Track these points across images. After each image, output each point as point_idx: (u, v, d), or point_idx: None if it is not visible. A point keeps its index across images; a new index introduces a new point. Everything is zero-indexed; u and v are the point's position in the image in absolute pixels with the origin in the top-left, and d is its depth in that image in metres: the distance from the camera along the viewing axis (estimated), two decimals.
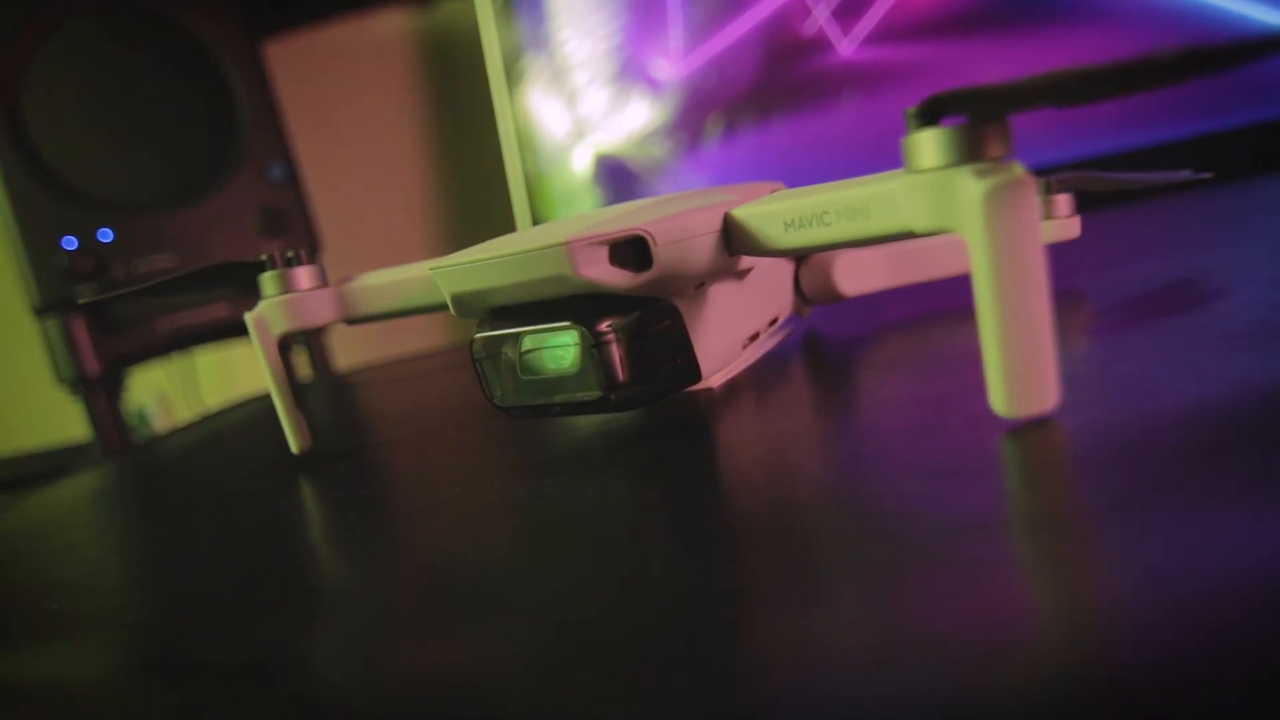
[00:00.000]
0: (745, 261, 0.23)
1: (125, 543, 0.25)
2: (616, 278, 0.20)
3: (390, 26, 1.00)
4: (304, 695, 0.13)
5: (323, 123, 0.97)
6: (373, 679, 0.13)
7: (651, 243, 0.20)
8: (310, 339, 0.80)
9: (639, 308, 0.21)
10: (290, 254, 0.26)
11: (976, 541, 0.12)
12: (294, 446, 0.26)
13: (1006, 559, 0.12)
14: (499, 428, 0.27)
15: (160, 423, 1.07)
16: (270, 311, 0.26)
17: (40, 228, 0.69)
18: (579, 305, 0.20)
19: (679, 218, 0.21)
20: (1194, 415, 0.16)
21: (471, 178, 0.99)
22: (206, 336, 0.77)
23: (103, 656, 0.16)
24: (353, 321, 0.27)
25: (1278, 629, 0.09)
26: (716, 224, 0.21)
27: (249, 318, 0.26)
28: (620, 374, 0.20)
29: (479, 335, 0.22)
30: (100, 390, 0.73)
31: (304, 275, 0.26)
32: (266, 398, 0.26)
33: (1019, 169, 0.15)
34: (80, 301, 0.35)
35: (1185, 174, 0.27)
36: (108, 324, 0.72)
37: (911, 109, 0.16)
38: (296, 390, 0.26)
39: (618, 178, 0.70)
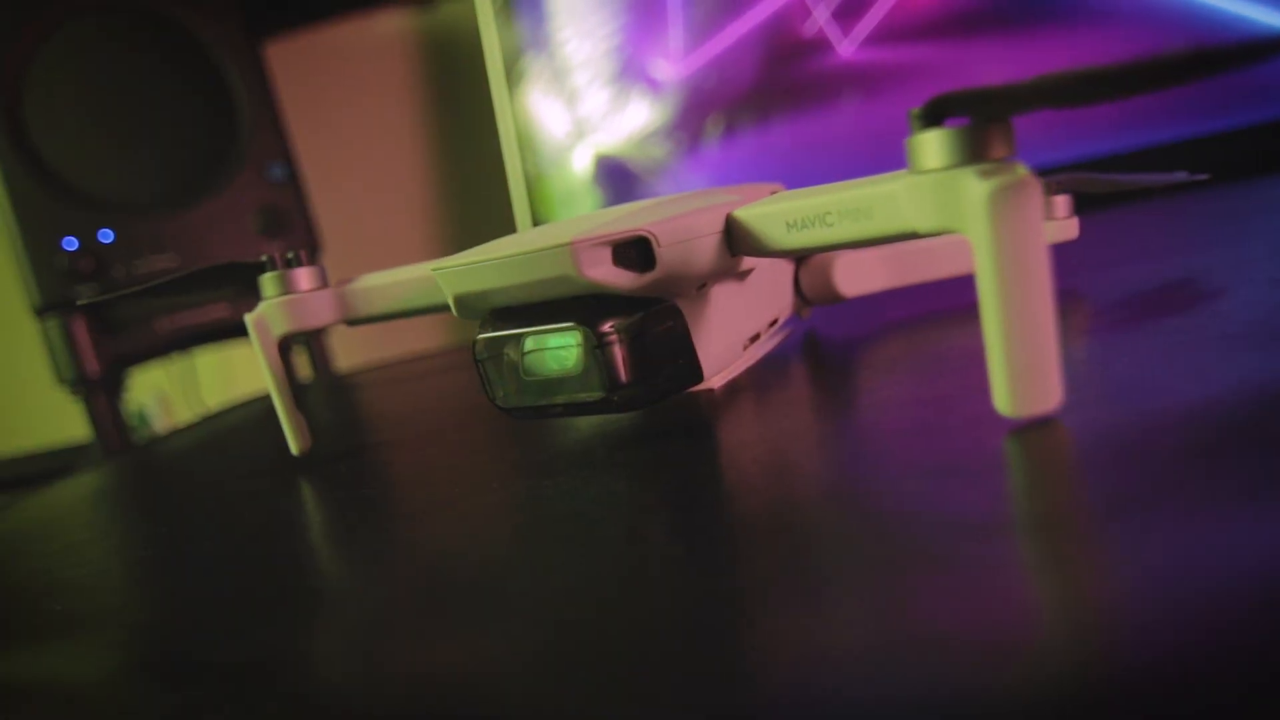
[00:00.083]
0: (746, 262, 0.23)
1: (125, 543, 0.25)
2: (620, 278, 0.20)
3: (390, 27, 1.00)
4: (304, 695, 0.13)
5: (323, 123, 0.97)
6: (373, 679, 0.13)
7: (655, 243, 0.20)
8: (310, 340, 0.80)
9: (641, 308, 0.21)
10: (290, 255, 0.26)
11: (977, 542, 0.12)
12: (294, 448, 0.26)
13: (1007, 559, 0.12)
14: (499, 428, 0.27)
15: (160, 423, 1.07)
16: (270, 313, 0.26)
17: (41, 228, 0.69)
18: (582, 306, 0.20)
19: (682, 218, 0.21)
20: (1194, 415, 0.16)
21: (471, 178, 0.99)
22: (207, 337, 0.77)
23: (103, 657, 0.16)
24: (353, 323, 0.27)
25: (1278, 629, 0.09)
26: (719, 225, 0.21)
27: (249, 319, 0.26)
28: (623, 375, 0.20)
29: (481, 336, 0.22)
30: (100, 390, 0.73)
31: (304, 276, 0.26)
32: (267, 398, 0.26)
33: (1022, 170, 0.15)
34: (79, 303, 0.35)
35: (1181, 175, 0.27)
36: (108, 324, 0.72)
37: (915, 110, 0.16)
38: (297, 391, 0.26)
39: (618, 178, 0.70)
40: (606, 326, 0.20)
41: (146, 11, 0.73)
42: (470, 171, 0.99)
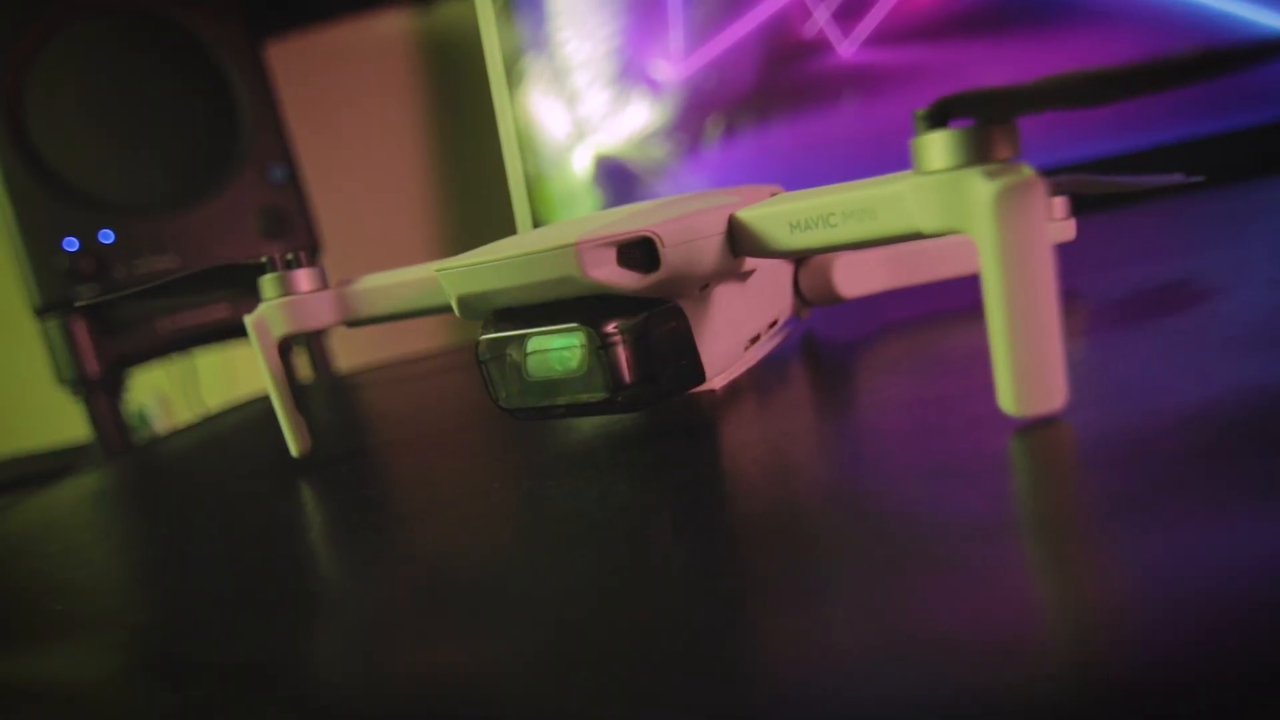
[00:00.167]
0: (748, 263, 0.23)
1: (126, 544, 0.25)
2: (624, 279, 0.20)
3: (391, 27, 1.00)
4: (305, 696, 0.13)
5: (323, 124, 0.98)
6: (373, 679, 0.13)
7: (659, 244, 0.20)
8: (311, 340, 0.81)
9: (645, 309, 0.21)
10: (290, 256, 0.26)
11: (978, 542, 0.12)
12: (294, 449, 0.26)
13: (1008, 560, 0.12)
14: (500, 429, 0.27)
15: (161, 423, 1.07)
16: (270, 314, 0.26)
17: (41, 229, 0.69)
18: (585, 307, 0.20)
19: (686, 219, 0.21)
20: (1194, 417, 0.16)
21: (472, 179, 0.99)
22: (207, 337, 0.77)
23: (104, 657, 0.16)
24: (353, 324, 0.27)
25: (1278, 630, 0.09)
26: (722, 226, 0.21)
27: (248, 320, 0.26)
28: (626, 375, 0.20)
29: (484, 337, 0.22)
30: (101, 391, 0.73)
31: (304, 278, 0.26)
32: (267, 399, 0.26)
33: (1028, 170, 0.15)
34: (76, 305, 0.35)
35: (1177, 177, 0.27)
36: (108, 324, 0.72)
37: (920, 111, 0.16)
38: (297, 393, 0.26)
39: (618, 179, 0.70)
40: (610, 327, 0.20)
41: (148, 13, 0.73)
42: (470, 172, 0.99)
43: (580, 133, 0.71)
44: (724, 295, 0.23)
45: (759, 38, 0.62)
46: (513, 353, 0.22)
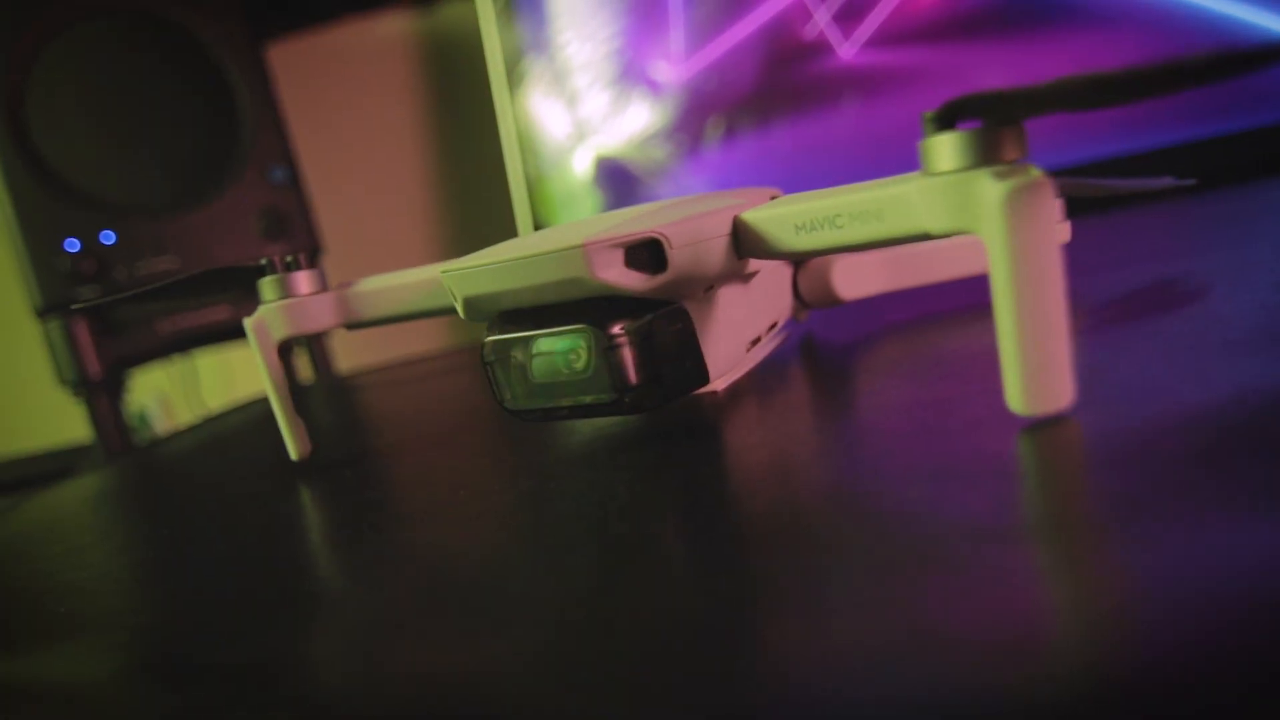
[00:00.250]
0: (751, 265, 0.23)
1: (127, 545, 0.25)
2: (632, 280, 0.20)
3: (392, 29, 1.00)
4: (305, 697, 0.13)
5: (324, 125, 0.98)
6: (374, 680, 0.13)
7: (667, 245, 0.20)
8: (312, 341, 0.81)
9: (650, 310, 0.21)
10: (289, 259, 0.26)
11: (978, 544, 0.12)
12: (293, 453, 0.26)
13: (1008, 561, 0.12)
14: (500, 430, 0.27)
15: (161, 424, 1.07)
16: (269, 317, 0.25)
17: (43, 229, 0.69)
18: (591, 308, 0.20)
19: (693, 220, 0.21)
20: (1195, 418, 0.16)
21: (472, 180, 0.99)
22: (208, 338, 0.77)
23: (105, 658, 0.16)
24: (353, 327, 0.27)
25: (1276, 633, 0.09)
26: (727, 227, 0.21)
27: (248, 323, 0.25)
28: (632, 376, 0.20)
29: (489, 339, 0.22)
30: (102, 392, 0.73)
31: (303, 280, 0.26)
32: (268, 400, 0.26)
33: (1036, 171, 0.15)
34: (73, 307, 0.35)
35: (1168, 181, 0.27)
36: (109, 325, 0.72)
37: (929, 113, 0.17)
38: (296, 395, 0.26)
39: (618, 180, 0.70)
40: (616, 328, 0.20)
41: (149, 14, 0.73)
42: (471, 173, 0.99)
43: (581, 134, 0.71)
44: (727, 297, 0.23)
45: (760, 39, 0.62)
46: (518, 354, 0.22)
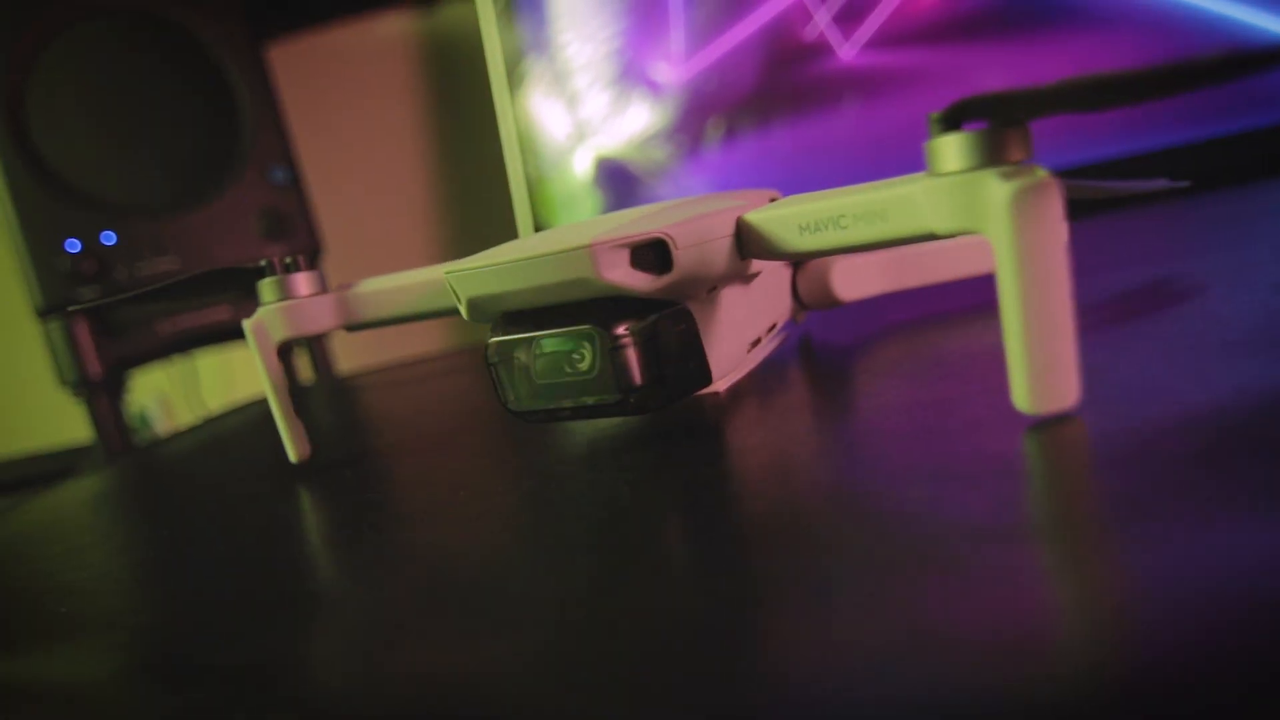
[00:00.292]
0: (753, 266, 0.23)
1: (128, 546, 0.25)
2: (637, 280, 0.20)
3: (392, 29, 1.00)
4: (305, 699, 0.13)
5: (325, 125, 0.98)
6: (374, 681, 0.13)
7: (672, 246, 0.20)
8: (312, 342, 0.81)
9: (654, 311, 0.21)
10: (288, 260, 0.26)
11: (979, 544, 0.12)
12: (292, 455, 0.26)
13: (1009, 562, 0.12)
14: (501, 431, 0.27)
15: (161, 425, 1.08)
16: (268, 319, 0.25)
17: (43, 230, 0.69)
18: (595, 309, 0.20)
19: (698, 221, 0.21)
20: (1195, 419, 0.16)
21: (473, 180, 0.99)
22: (208, 339, 0.77)
23: (105, 659, 0.16)
24: (352, 329, 0.27)
25: (1276, 633, 0.09)
26: (731, 228, 0.21)
27: (247, 325, 0.25)
28: (637, 377, 0.20)
29: (493, 340, 0.22)
30: (102, 392, 0.73)
31: (303, 281, 0.26)
32: (268, 401, 0.26)
33: (1042, 172, 0.15)
34: (69, 309, 0.35)
35: (1162, 183, 0.27)
36: (110, 326, 0.72)
37: (935, 114, 0.17)
38: (296, 397, 0.26)
39: (619, 181, 0.70)
40: (621, 329, 0.20)
41: (149, 15, 0.73)
42: (471, 174, 1.00)
43: (581, 135, 0.71)
44: (729, 298, 0.23)
45: (760, 41, 0.62)
46: (522, 355, 0.22)
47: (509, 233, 0.73)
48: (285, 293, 0.26)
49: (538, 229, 0.73)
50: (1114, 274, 0.30)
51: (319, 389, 0.62)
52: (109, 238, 0.71)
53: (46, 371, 0.73)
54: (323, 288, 0.27)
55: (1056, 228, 0.15)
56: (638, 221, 0.21)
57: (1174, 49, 0.50)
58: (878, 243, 0.19)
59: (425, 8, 0.99)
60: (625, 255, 0.20)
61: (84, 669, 0.16)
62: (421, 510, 0.21)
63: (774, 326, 0.27)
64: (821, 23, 0.59)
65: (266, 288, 0.26)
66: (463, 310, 0.22)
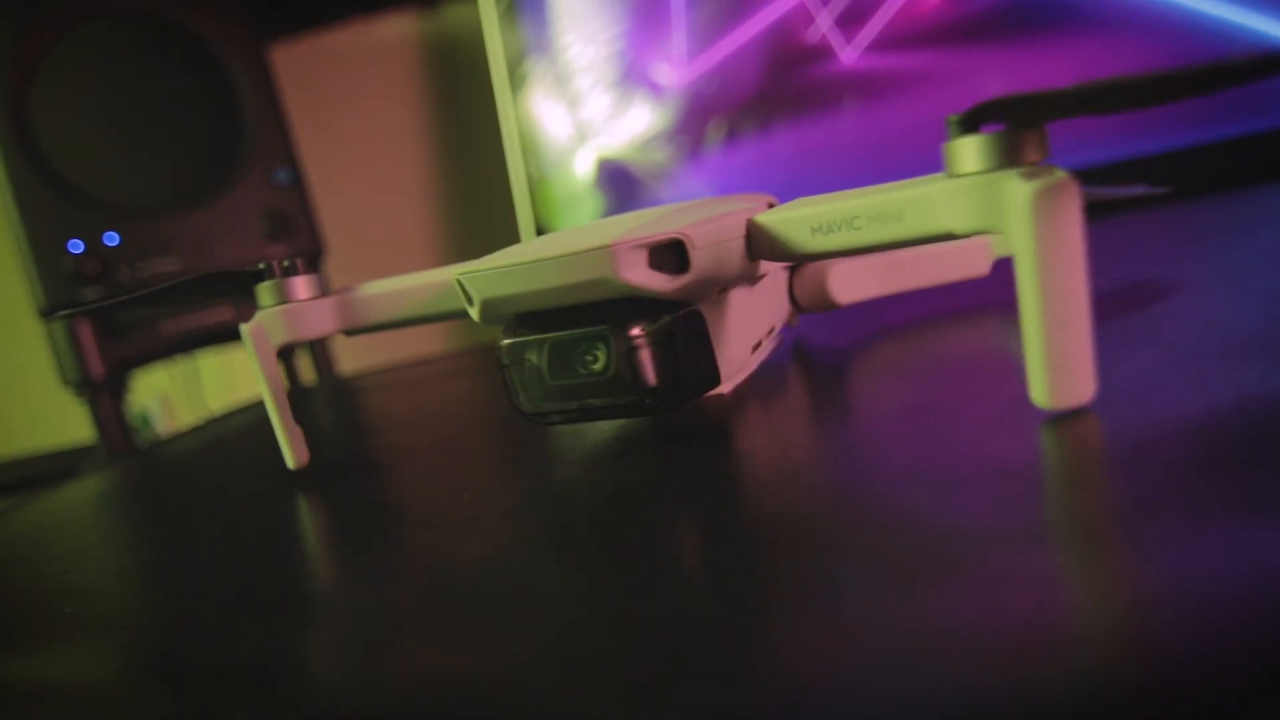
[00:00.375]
0: (761, 268, 0.23)
1: (130, 546, 0.26)
2: (655, 281, 0.20)
3: (395, 31, 1.01)
4: (306, 699, 0.13)
5: (327, 126, 0.98)
6: (374, 681, 0.13)
7: (690, 246, 0.20)
8: (314, 343, 0.81)
9: (667, 312, 0.21)
10: (287, 263, 0.26)
11: (980, 546, 0.12)
12: (290, 462, 0.25)
13: (1009, 564, 0.12)
14: (504, 432, 0.27)
15: (163, 425, 1.08)
16: (267, 323, 0.25)
17: (47, 230, 0.69)
18: (609, 310, 0.20)
19: (713, 222, 0.21)
20: (1193, 424, 0.16)
21: (475, 181, 0.99)
22: (210, 339, 0.77)
23: (106, 659, 0.16)
24: (351, 333, 0.27)
25: (1272, 641, 0.09)
26: (742, 229, 0.21)
27: (244, 329, 0.25)
28: (652, 378, 0.20)
29: (506, 341, 0.22)
30: (105, 392, 0.73)
31: (302, 285, 0.26)
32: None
33: (1061, 173, 0.16)
34: (62, 313, 0.35)
35: (1142, 189, 0.27)
36: (112, 326, 0.72)
37: (954, 116, 0.17)
38: (296, 400, 0.26)
39: (620, 182, 0.70)
40: (636, 330, 0.20)
41: (153, 16, 0.74)
42: (473, 174, 1.00)
43: (583, 136, 0.71)
44: (735, 300, 0.23)
45: (762, 43, 0.62)
46: (535, 356, 0.21)
47: (510, 233, 0.73)
48: (284, 296, 0.25)
49: (539, 230, 0.73)
50: (1107, 276, 0.30)
51: (321, 390, 0.62)
52: (112, 238, 0.71)
53: (49, 371, 0.74)
54: (322, 291, 0.26)
55: (1076, 226, 0.16)
56: (653, 223, 0.21)
57: (1175, 53, 0.50)
58: (891, 243, 0.19)
59: (427, 9, 0.99)
60: (644, 256, 0.20)
61: (85, 669, 0.16)
62: (423, 511, 0.21)
63: (772, 329, 0.27)
64: (823, 26, 0.59)
65: (264, 291, 0.26)
66: (474, 313, 0.22)
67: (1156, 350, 0.21)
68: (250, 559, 0.20)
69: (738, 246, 0.21)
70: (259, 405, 0.46)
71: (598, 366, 0.21)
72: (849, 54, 0.58)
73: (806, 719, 0.10)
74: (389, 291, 0.26)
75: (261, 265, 0.26)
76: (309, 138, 0.86)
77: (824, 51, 0.59)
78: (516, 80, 0.73)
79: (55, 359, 0.72)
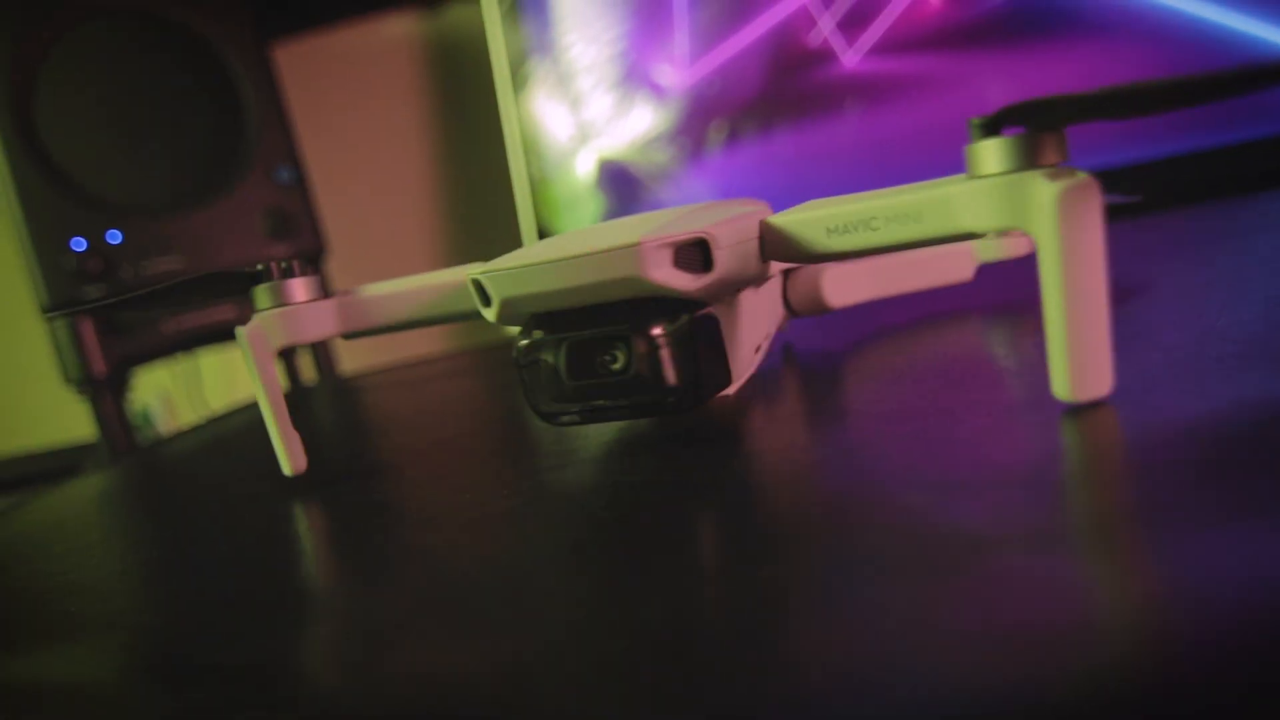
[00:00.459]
0: (771, 269, 0.23)
1: (131, 545, 0.26)
2: (679, 280, 0.20)
3: (397, 30, 1.01)
4: (306, 699, 0.13)
5: (330, 126, 0.98)
6: (374, 681, 0.13)
7: (714, 245, 0.20)
8: (315, 344, 0.81)
9: (683, 312, 0.20)
10: (285, 264, 0.25)
11: (980, 548, 0.12)
12: (286, 468, 0.24)
13: (1010, 565, 0.12)
14: (506, 433, 0.27)
15: (164, 423, 1.08)
16: (264, 325, 0.24)
17: (49, 229, 0.70)
18: (627, 310, 0.20)
19: (733, 222, 0.21)
20: (1193, 429, 0.16)
21: (477, 182, 0.99)
22: (211, 338, 0.77)
23: (107, 658, 0.16)
24: (350, 336, 0.26)
25: (1273, 641, 0.09)
26: (756, 231, 0.22)
27: (241, 332, 0.24)
28: (672, 378, 0.20)
29: (523, 342, 0.21)
30: (106, 390, 0.73)
31: (300, 287, 0.25)
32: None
33: (1082, 174, 0.16)
34: (54, 314, 0.35)
35: (1115, 198, 0.27)
36: (114, 324, 0.72)
37: (976, 119, 0.18)
38: (294, 403, 0.26)
39: (621, 183, 0.70)
40: (656, 330, 0.20)
41: (156, 15, 0.74)
42: (475, 175, 1.00)
43: (584, 137, 0.71)
44: (744, 302, 0.23)
45: (764, 46, 0.62)
46: (553, 357, 0.21)
47: (512, 232, 0.73)
48: (281, 298, 0.25)
49: (541, 231, 0.73)
50: (1115, 279, 0.30)
51: (322, 390, 0.62)
52: (114, 236, 0.71)
53: (51, 369, 0.74)
54: (321, 293, 0.26)
55: (1098, 225, 0.16)
56: (672, 223, 0.21)
57: (1177, 59, 0.50)
58: (906, 243, 0.20)
59: (430, 9, 0.99)
60: (669, 254, 0.20)
61: (85, 669, 0.16)
62: (424, 511, 0.21)
63: (770, 333, 0.27)
64: (825, 29, 0.59)
65: (262, 293, 0.25)
66: (490, 314, 0.22)
67: (1157, 353, 0.21)
68: (250, 559, 0.20)
69: (754, 248, 0.21)
70: (258, 404, 0.46)
71: (617, 366, 0.21)
72: (851, 57, 0.58)
73: (808, 719, 0.10)
74: (389, 294, 0.26)
75: (260, 266, 0.25)
76: (311, 137, 0.86)
77: (826, 55, 0.59)
78: (518, 81, 0.73)
79: (57, 357, 0.72)
